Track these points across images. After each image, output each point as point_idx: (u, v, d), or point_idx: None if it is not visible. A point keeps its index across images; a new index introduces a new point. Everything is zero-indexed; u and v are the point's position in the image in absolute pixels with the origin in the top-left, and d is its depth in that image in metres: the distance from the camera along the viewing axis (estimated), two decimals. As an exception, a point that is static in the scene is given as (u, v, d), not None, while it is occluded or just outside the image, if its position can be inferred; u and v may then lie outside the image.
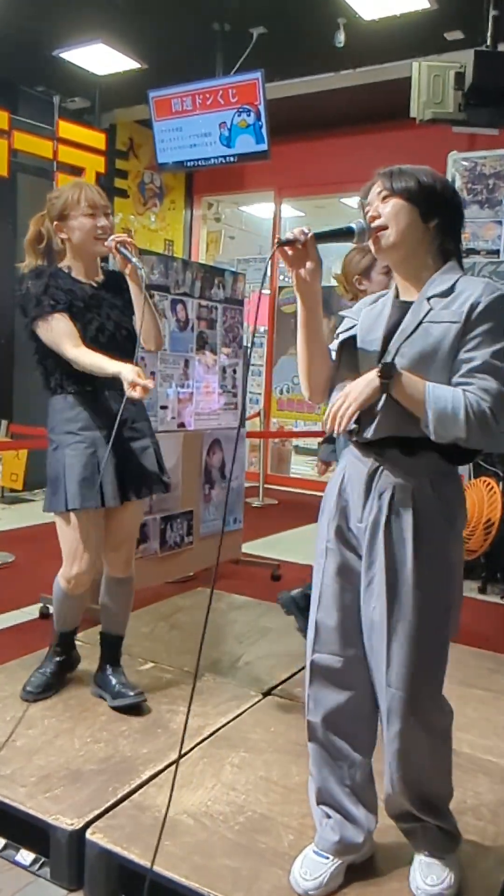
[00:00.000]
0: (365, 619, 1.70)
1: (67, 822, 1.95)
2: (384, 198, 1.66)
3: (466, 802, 2.11)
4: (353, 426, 1.63)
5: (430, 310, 1.61)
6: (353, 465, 1.72)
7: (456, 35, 5.27)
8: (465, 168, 5.37)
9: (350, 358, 1.73)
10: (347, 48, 5.41)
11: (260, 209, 9.03)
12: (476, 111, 4.74)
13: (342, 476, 1.74)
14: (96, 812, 1.99)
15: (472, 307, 1.56)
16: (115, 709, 2.54)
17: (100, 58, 6.02)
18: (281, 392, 8.07)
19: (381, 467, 1.66)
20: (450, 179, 5.40)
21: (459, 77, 4.67)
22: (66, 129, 6.44)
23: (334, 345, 1.77)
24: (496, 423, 1.52)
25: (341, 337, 1.76)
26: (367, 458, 1.68)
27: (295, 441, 8.75)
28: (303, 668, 2.98)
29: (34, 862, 1.98)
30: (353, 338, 1.73)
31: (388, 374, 1.55)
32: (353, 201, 8.78)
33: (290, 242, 1.62)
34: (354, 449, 1.73)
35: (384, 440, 1.63)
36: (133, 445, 2.56)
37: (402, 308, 1.67)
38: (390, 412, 1.60)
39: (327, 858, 1.77)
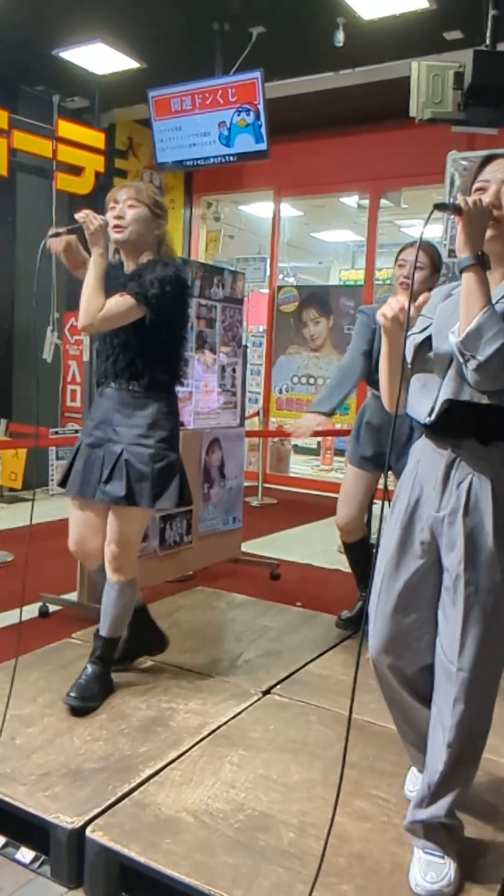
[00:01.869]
0: (444, 609, 1.76)
1: (67, 820, 1.95)
2: None
3: (466, 800, 2.11)
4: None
5: (502, 298, 1.64)
6: (428, 456, 1.78)
7: (455, 35, 5.27)
8: (465, 168, 5.37)
9: (425, 356, 1.77)
10: (347, 48, 5.41)
11: (259, 208, 9.04)
12: (475, 111, 4.73)
13: (416, 469, 1.80)
14: (96, 810, 1.99)
15: None
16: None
17: (99, 57, 6.01)
18: (280, 391, 8.07)
19: (459, 458, 1.71)
20: (448, 179, 5.41)
21: (459, 77, 4.67)
22: (66, 128, 6.44)
23: (409, 351, 1.79)
24: None
25: (416, 339, 1.78)
26: (444, 449, 1.74)
27: (294, 440, 8.74)
28: (301, 667, 3.00)
29: (34, 860, 1.98)
30: (429, 338, 1.76)
31: (483, 260, 1.59)
32: (351, 200, 8.80)
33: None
34: (429, 441, 1.78)
35: (461, 431, 1.69)
36: (108, 447, 2.60)
37: None
38: (453, 380, 1.67)
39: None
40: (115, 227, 2.56)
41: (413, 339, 1.78)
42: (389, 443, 2.17)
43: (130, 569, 2.66)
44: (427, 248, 2.96)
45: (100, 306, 2.46)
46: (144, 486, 2.54)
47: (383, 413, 3.00)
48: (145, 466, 2.55)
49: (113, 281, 2.53)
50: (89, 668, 2.63)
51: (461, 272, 1.60)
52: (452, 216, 1.66)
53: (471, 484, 1.70)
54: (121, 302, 2.47)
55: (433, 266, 2.93)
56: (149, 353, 2.57)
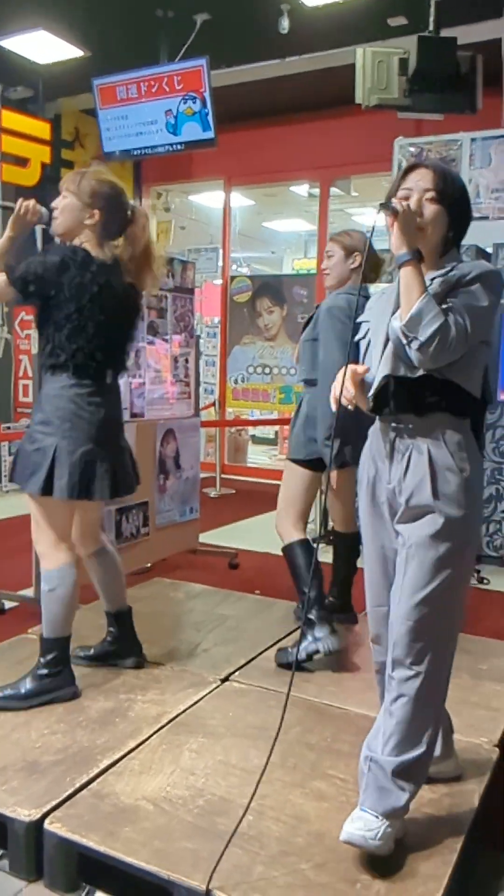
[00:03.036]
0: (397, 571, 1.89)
1: (25, 813, 1.93)
2: (429, 199, 1.84)
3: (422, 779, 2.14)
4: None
5: (430, 284, 1.82)
6: (377, 434, 1.94)
7: (399, 21, 5.31)
8: (412, 154, 5.42)
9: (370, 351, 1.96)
10: (292, 35, 5.41)
11: (209, 198, 9.00)
12: (420, 97, 4.75)
13: (369, 449, 1.97)
14: (54, 802, 1.98)
15: (465, 275, 1.82)
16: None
17: (41, 45, 5.93)
18: (236, 382, 8.06)
19: (400, 431, 1.87)
20: (396, 166, 5.45)
21: (403, 63, 4.69)
22: (10, 118, 6.35)
23: (360, 353, 2.00)
24: (448, 348, 1.74)
25: (361, 345, 1.99)
26: (387, 427, 1.90)
27: (251, 430, 8.76)
28: (260, 653, 3.00)
29: (-8, 855, 1.96)
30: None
31: (418, 255, 1.79)
32: (302, 189, 8.81)
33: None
34: (378, 421, 1.95)
35: (399, 405, 1.85)
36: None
37: None
38: (389, 359, 1.84)
39: None
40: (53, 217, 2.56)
41: (362, 344, 1.99)
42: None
43: (49, 557, 2.57)
44: (337, 235, 3.18)
45: None
46: (29, 472, 2.51)
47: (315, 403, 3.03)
48: (30, 454, 2.51)
49: None
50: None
51: (399, 267, 1.79)
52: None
53: (411, 453, 1.86)
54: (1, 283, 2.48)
55: (344, 250, 3.10)
56: (45, 337, 2.54)
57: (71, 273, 2.46)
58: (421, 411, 1.85)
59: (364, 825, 1.79)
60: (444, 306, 1.76)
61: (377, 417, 1.95)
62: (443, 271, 1.85)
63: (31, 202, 2.55)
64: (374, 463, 1.94)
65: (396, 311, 1.82)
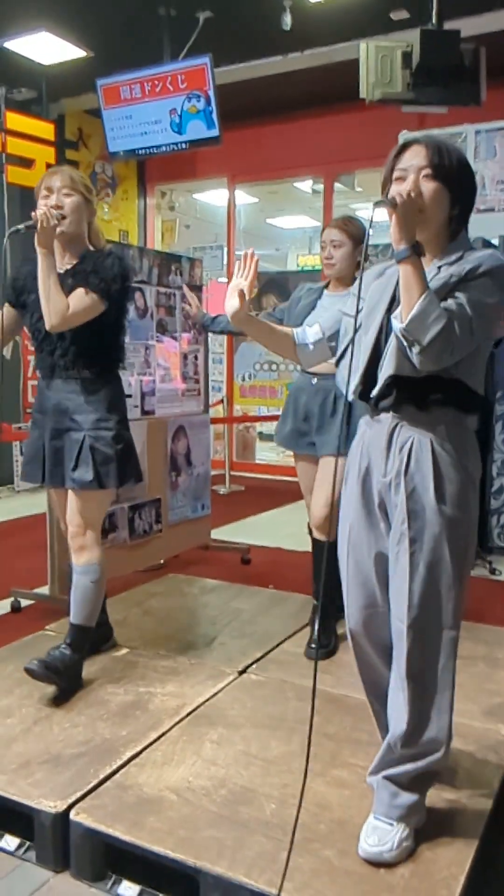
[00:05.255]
0: (391, 567, 1.81)
1: (50, 804, 1.96)
2: (426, 176, 1.73)
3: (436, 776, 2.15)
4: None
5: (437, 273, 1.73)
6: (372, 425, 1.85)
7: (401, 14, 5.30)
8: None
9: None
10: (294, 31, 5.40)
11: (214, 196, 9.01)
12: (424, 90, 4.75)
13: (361, 440, 1.88)
14: (79, 794, 2.00)
15: (475, 268, 1.70)
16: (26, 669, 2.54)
17: (44, 47, 5.92)
18: (243, 379, 8.07)
19: (399, 423, 1.79)
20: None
21: (406, 56, 4.68)
22: (14, 120, 6.36)
23: (343, 330, 1.93)
24: (452, 350, 1.65)
25: (350, 321, 1.88)
26: (385, 418, 1.81)
27: (259, 427, 8.76)
28: (276, 646, 3.02)
29: (19, 847, 1.99)
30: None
31: (418, 250, 1.67)
32: (306, 185, 8.81)
33: None
34: (372, 414, 1.86)
35: (400, 400, 1.77)
36: (70, 436, 2.64)
37: None
38: (394, 356, 1.73)
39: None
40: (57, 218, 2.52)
41: (348, 321, 1.88)
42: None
43: (94, 549, 2.67)
44: (344, 224, 3.04)
45: (65, 305, 2.48)
46: (111, 468, 2.62)
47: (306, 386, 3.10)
48: (109, 449, 2.62)
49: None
50: (57, 651, 2.61)
51: (398, 262, 1.68)
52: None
53: (411, 446, 1.77)
54: (86, 300, 2.52)
55: (352, 240, 3.01)
56: (100, 342, 2.63)
57: (131, 277, 2.64)
58: (425, 406, 1.76)
59: (378, 840, 1.79)
60: (450, 300, 1.67)
61: (371, 407, 1.85)
62: (451, 259, 1.75)
63: (45, 208, 2.49)
64: (367, 454, 1.85)
65: (394, 305, 1.73)
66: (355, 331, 1.84)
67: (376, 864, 1.77)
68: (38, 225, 2.44)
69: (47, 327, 2.50)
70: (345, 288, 3.03)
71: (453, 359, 1.67)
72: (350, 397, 1.84)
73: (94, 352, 2.62)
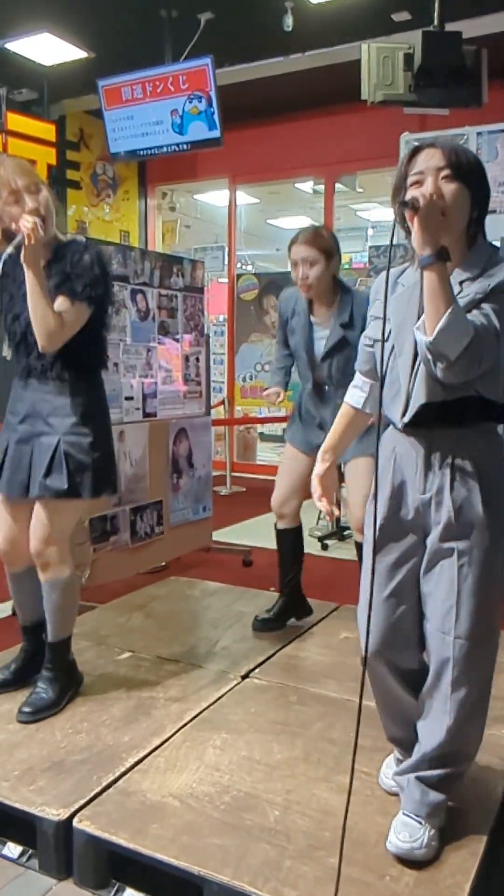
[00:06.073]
0: (430, 582, 1.79)
1: (53, 812, 1.94)
2: (445, 177, 1.66)
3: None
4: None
5: (460, 291, 1.67)
6: (403, 442, 1.79)
7: (403, 16, 5.30)
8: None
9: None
10: (296, 32, 5.40)
11: (215, 197, 9.01)
12: (426, 92, 4.74)
13: (393, 455, 1.81)
14: (82, 801, 1.99)
15: (500, 285, 1.64)
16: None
17: (46, 48, 5.93)
18: (244, 380, 8.07)
19: (435, 441, 1.75)
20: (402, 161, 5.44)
21: (408, 58, 4.67)
22: (15, 121, 6.36)
23: (364, 363, 1.96)
24: (478, 364, 1.61)
25: (377, 348, 1.83)
26: (419, 437, 1.76)
27: (260, 428, 8.76)
28: (278, 650, 3.02)
29: (22, 854, 1.97)
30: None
31: (444, 255, 1.58)
32: (307, 186, 8.81)
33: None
34: (400, 432, 1.79)
35: (433, 423, 1.72)
36: (40, 441, 2.44)
37: None
38: (424, 382, 1.70)
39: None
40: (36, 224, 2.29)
41: (377, 348, 1.83)
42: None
43: (63, 564, 2.49)
44: (313, 239, 2.86)
45: (58, 323, 2.33)
46: (85, 476, 2.42)
47: (315, 400, 3.09)
48: (85, 457, 2.43)
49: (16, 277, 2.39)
50: (40, 681, 2.52)
51: (423, 269, 1.59)
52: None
53: (453, 463, 1.73)
54: (72, 313, 2.37)
55: (325, 255, 2.85)
56: (80, 341, 2.42)
57: (110, 272, 2.51)
58: (459, 423, 1.73)
59: (409, 835, 1.79)
60: (475, 311, 1.62)
61: (400, 425, 1.79)
62: (472, 273, 1.68)
63: (32, 220, 2.25)
64: (400, 470, 1.80)
65: (421, 319, 1.63)
66: (384, 360, 1.75)
67: (406, 860, 1.78)
68: (27, 241, 2.24)
69: (40, 349, 2.35)
70: (326, 309, 2.96)
71: (479, 372, 1.63)
72: (399, 426, 1.78)
73: (74, 352, 2.43)
